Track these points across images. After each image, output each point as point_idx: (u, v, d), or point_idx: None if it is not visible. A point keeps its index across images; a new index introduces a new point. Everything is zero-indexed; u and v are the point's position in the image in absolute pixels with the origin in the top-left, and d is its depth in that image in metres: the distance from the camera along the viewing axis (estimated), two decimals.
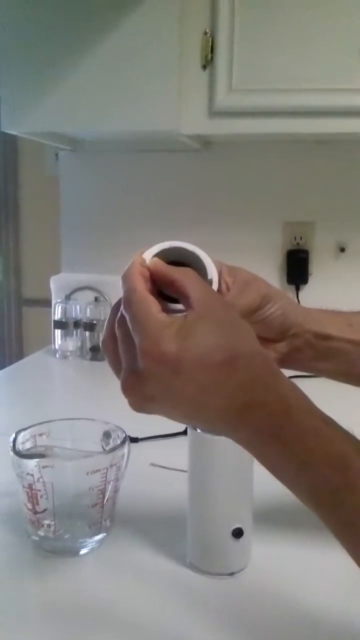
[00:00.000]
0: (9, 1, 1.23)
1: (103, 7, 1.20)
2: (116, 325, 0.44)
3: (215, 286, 0.48)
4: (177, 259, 0.48)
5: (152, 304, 0.42)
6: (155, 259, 0.46)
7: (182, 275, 0.44)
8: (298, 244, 1.56)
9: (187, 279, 0.44)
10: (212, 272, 0.48)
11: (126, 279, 0.44)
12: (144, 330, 0.41)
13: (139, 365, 0.41)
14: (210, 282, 0.48)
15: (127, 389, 0.42)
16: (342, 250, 1.53)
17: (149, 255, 0.47)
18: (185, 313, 0.42)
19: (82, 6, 1.21)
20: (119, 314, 0.44)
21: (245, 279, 0.55)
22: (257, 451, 0.43)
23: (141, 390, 0.42)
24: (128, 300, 0.43)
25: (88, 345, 1.51)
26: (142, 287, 0.43)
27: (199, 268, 0.48)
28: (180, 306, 0.45)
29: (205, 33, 1.19)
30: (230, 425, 0.42)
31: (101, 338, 0.48)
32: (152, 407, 0.43)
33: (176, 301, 0.46)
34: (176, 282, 0.43)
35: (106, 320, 0.47)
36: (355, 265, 1.54)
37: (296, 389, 0.43)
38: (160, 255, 0.47)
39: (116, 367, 0.45)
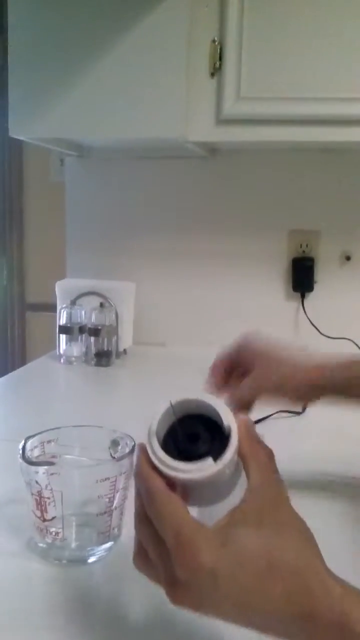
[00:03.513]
0: (18, 10, 1.23)
1: (112, 15, 1.20)
2: (140, 525, 0.43)
3: (234, 433, 0.45)
4: (190, 411, 0.46)
5: (179, 504, 0.41)
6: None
7: None
8: (304, 251, 1.56)
9: None
10: (229, 420, 0.45)
11: (141, 478, 0.43)
12: (177, 537, 0.40)
13: (177, 576, 0.40)
14: (228, 429, 0.45)
15: (175, 601, 0.41)
16: (348, 258, 1.53)
17: (155, 422, 0.45)
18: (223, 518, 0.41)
19: (91, 14, 1.21)
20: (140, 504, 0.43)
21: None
22: None
23: (187, 600, 0.40)
24: (150, 500, 0.42)
25: (93, 350, 1.50)
26: (160, 484, 0.42)
27: (214, 415, 0.46)
28: (186, 475, 0.43)
29: (214, 41, 1.20)
30: (289, 632, 0.40)
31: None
32: (206, 611, 0.41)
33: (188, 448, 0.44)
34: None
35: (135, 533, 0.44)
36: None
37: (350, 594, 0.39)
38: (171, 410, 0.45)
39: (154, 577, 0.43)
